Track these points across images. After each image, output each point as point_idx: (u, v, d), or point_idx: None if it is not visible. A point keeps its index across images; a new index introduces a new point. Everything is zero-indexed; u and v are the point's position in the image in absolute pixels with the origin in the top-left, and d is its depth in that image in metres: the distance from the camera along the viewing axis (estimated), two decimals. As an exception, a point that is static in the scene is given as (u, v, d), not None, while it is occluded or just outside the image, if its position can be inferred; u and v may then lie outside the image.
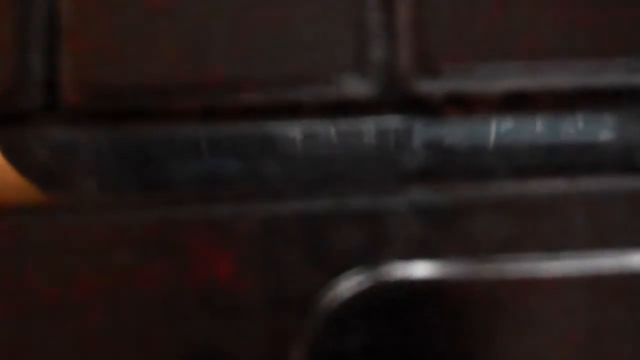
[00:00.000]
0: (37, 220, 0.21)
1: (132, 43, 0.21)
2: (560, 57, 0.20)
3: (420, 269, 0.20)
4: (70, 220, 0.20)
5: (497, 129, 0.21)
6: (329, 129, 0.21)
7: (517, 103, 0.21)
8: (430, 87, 0.20)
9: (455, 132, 0.21)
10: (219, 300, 0.20)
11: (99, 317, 0.20)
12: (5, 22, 0.21)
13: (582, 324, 0.20)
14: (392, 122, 0.21)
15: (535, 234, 0.20)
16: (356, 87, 0.20)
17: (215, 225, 0.20)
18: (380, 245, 0.20)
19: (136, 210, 0.21)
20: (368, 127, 0.21)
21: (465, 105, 0.21)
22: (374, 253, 0.20)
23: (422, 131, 0.21)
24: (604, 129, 0.21)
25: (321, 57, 0.20)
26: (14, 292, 0.20)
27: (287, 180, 0.21)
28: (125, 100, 0.21)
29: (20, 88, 0.21)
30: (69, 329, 0.20)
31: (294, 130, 0.21)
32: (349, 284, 0.20)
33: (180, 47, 0.21)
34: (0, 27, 0.21)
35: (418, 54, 0.20)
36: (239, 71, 0.20)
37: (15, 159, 0.21)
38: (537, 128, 0.21)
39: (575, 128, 0.21)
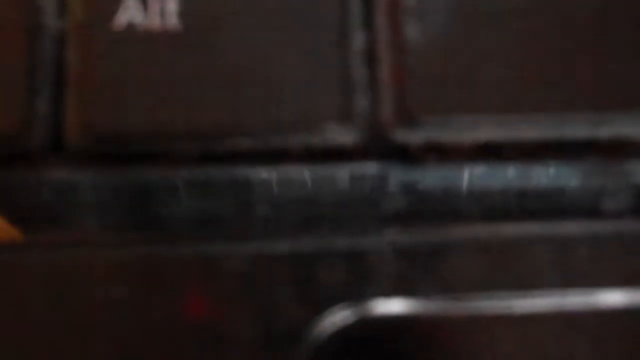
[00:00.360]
0: (33, 255, 0.22)
1: (133, 91, 0.22)
2: (528, 111, 0.22)
3: (399, 306, 0.21)
4: (68, 257, 0.22)
5: (470, 176, 0.22)
6: (313, 174, 0.22)
7: (488, 152, 0.22)
8: (409, 136, 0.22)
9: (431, 177, 0.22)
10: (209, 334, 0.21)
11: (91, 349, 0.21)
12: (14, 66, 0.22)
13: (551, 358, 0.21)
14: (373, 168, 0.22)
15: (506, 274, 0.22)
16: (340, 135, 0.22)
17: (207, 262, 0.22)
18: (363, 283, 0.21)
19: (131, 247, 0.22)
20: (351, 172, 0.22)
21: (440, 153, 0.22)
22: (357, 290, 0.21)
23: (401, 176, 0.22)
24: (569, 177, 0.22)
25: (307, 106, 0.22)
26: (14, 325, 0.21)
27: (274, 222, 0.22)
28: (125, 145, 0.22)
29: (26, 130, 0.22)
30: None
31: (280, 174, 0.22)
32: (333, 320, 0.21)
33: (179, 95, 0.22)
34: (8, 71, 0.22)
35: (399, 105, 0.22)
36: (231, 119, 0.22)
37: (18, 198, 0.22)
38: (507, 175, 0.22)
39: (542, 176, 0.22)
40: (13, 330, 0.21)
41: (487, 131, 0.22)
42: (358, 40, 0.23)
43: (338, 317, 0.21)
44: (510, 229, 0.22)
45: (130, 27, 0.22)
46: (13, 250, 0.22)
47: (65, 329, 0.21)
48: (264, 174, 0.22)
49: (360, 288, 0.21)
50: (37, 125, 0.22)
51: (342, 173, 0.22)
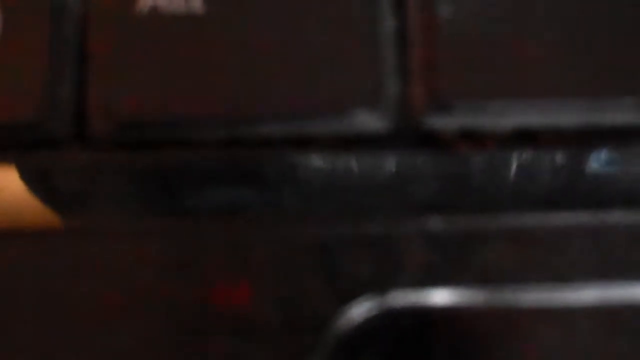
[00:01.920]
0: (60, 243, 0.21)
1: (157, 76, 0.22)
2: (566, 95, 0.21)
3: (431, 297, 0.21)
4: (94, 244, 0.21)
5: (506, 164, 0.21)
6: (342, 161, 0.22)
7: (525, 139, 0.21)
8: (441, 122, 0.21)
9: (463, 165, 0.21)
10: (234, 322, 0.21)
11: (121, 336, 0.21)
12: (36, 50, 0.22)
13: (589, 352, 0.21)
14: (403, 155, 0.21)
15: (541, 265, 0.21)
16: (370, 120, 0.21)
17: (233, 250, 0.21)
18: (392, 272, 0.21)
19: (157, 235, 0.21)
20: (381, 159, 0.22)
21: (475, 140, 0.21)
22: (386, 280, 0.21)
23: (431, 164, 0.22)
24: (610, 165, 0.21)
25: (336, 91, 0.21)
26: (40, 310, 0.21)
27: (302, 209, 0.22)
28: (149, 130, 0.21)
29: (49, 116, 0.22)
30: (92, 347, 0.21)
31: (309, 161, 0.22)
32: (360, 310, 0.21)
33: (204, 80, 0.21)
34: (31, 55, 0.22)
35: (430, 90, 0.21)
36: (258, 104, 0.21)
37: (41, 184, 0.22)
38: (543, 163, 0.21)
39: (581, 163, 0.21)
40: (45, 310, 0.21)
41: (524, 117, 0.21)
42: (388, 21, 0.22)
43: (365, 308, 0.21)
44: (546, 218, 0.21)
45: (154, 10, 0.22)
46: (48, 235, 0.22)
47: (94, 314, 0.21)
48: (292, 159, 0.22)
49: (390, 277, 0.21)
50: (59, 112, 0.22)
51: (372, 161, 0.21)
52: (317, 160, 0.22)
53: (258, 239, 0.21)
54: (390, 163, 0.22)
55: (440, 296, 0.21)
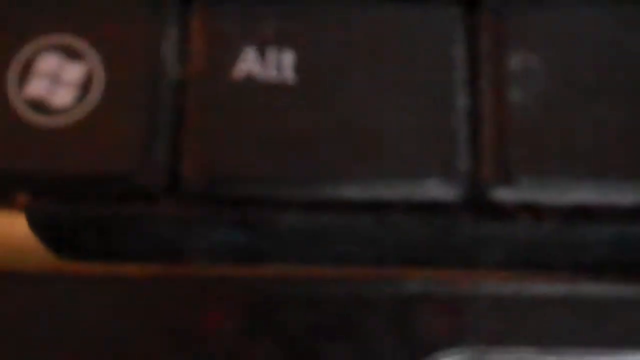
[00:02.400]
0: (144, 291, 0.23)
1: (247, 139, 0.23)
2: (623, 176, 0.23)
3: (498, 358, 0.23)
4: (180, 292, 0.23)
5: (561, 235, 0.24)
6: (413, 224, 0.24)
7: (582, 214, 0.23)
8: (506, 195, 0.23)
9: (525, 234, 0.24)
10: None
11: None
12: (136, 110, 0.24)
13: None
14: (470, 223, 0.24)
15: (597, 331, 0.23)
16: (441, 190, 0.23)
17: (309, 303, 0.23)
18: (458, 333, 0.23)
19: (239, 284, 0.23)
20: (449, 225, 0.24)
21: (535, 212, 0.23)
22: (451, 340, 0.23)
23: (495, 232, 0.24)
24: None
25: (412, 161, 0.23)
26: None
27: (374, 267, 0.24)
28: (237, 189, 0.23)
29: (145, 172, 0.23)
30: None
31: (382, 223, 0.24)
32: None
33: (291, 145, 0.23)
34: (130, 115, 0.24)
35: (498, 165, 0.23)
36: (339, 169, 0.23)
37: (134, 236, 0.24)
38: (600, 237, 0.24)
39: (636, 239, 0.24)
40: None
41: (581, 194, 0.23)
42: (462, 101, 0.24)
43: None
44: (602, 289, 0.23)
45: (248, 79, 0.24)
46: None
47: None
48: (367, 222, 0.23)
49: (455, 338, 0.23)
50: (154, 167, 0.23)
51: (441, 225, 0.24)
52: (391, 224, 0.23)
53: (333, 295, 0.23)
54: (459, 229, 0.24)
55: (506, 357, 0.23)
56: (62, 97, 0.23)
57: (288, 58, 0.24)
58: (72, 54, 0.24)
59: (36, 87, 0.24)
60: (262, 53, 0.24)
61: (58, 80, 0.24)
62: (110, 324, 0.23)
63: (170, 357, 0.23)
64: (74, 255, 0.23)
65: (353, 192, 0.23)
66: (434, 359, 0.22)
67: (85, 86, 0.24)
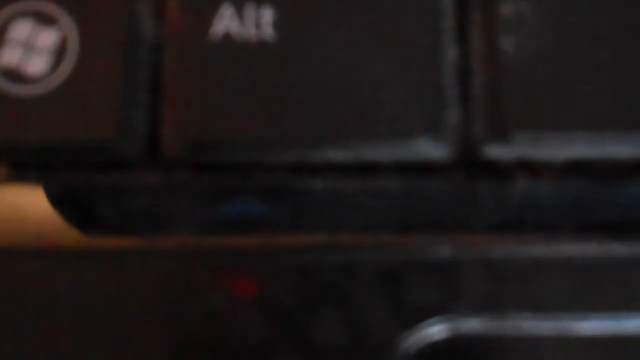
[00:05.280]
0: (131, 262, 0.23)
1: (228, 101, 0.22)
2: (623, 129, 0.22)
3: (487, 325, 0.22)
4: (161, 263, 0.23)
5: (561, 194, 0.22)
6: (403, 187, 0.22)
7: (580, 170, 0.22)
8: (500, 152, 0.22)
9: (520, 194, 0.22)
10: (297, 343, 0.22)
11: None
12: (111, 74, 0.23)
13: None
14: (462, 183, 0.22)
15: (598, 294, 0.22)
16: (431, 149, 0.22)
17: (298, 271, 0.22)
18: (452, 298, 0.22)
19: (226, 255, 0.23)
20: (440, 186, 0.22)
21: (531, 170, 0.22)
22: (446, 305, 0.22)
23: (490, 192, 0.22)
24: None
25: (399, 120, 0.22)
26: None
27: (364, 232, 0.23)
28: (219, 154, 0.22)
29: (123, 139, 0.23)
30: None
31: (370, 186, 0.22)
32: (421, 335, 0.22)
33: (272, 106, 0.22)
34: (106, 79, 0.23)
35: (491, 121, 0.22)
36: (323, 130, 0.22)
37: (113, 205, 0.23)
38: (599, 194, 0.22)
39: (635, 195, 0.22)
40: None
41: (580, 149, 0.22)
42: (451, 52, 0.23)
43: (426, 333, 0.22)
44: (601, 248, 0.22)
45: (227, 37, 0.23)
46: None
47: (167, 334, 0.22)
48: (355, 185, 0.22)
49: (450, 303, 0.22)
50: (133, 134, 0.23)
51: (431, 187, 0.22)
52: (379, 187, 0.22)
53: (322, 261, 0.22)
54: (449, 190, 0.22)
55: (499, 324, 0.21)
56: (37, 64, 0.23)
57: (267, 14, 0.23)
58: (45, 20, 0.23)
59: (9, 56, 0.23)
60: (240, 10, 0.23)
61: (32, 47, 0.23)
62: (98, 299, 0.23)
63: (160, 334, 0.22)
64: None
65: (337, 154, 0.22)
66: (425, 326, 0.22)
67: (59, 52, 0.23)
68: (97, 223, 0.23)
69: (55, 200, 0.23)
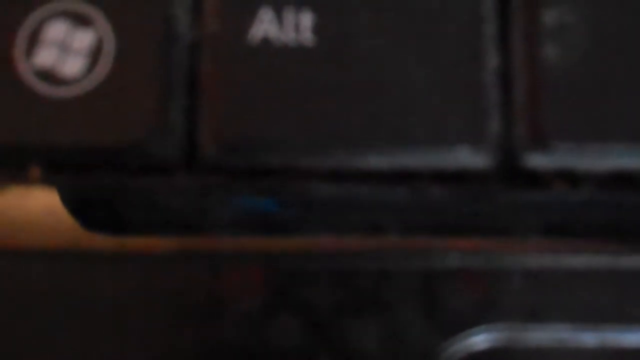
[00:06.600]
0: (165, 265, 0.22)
1: (265, 104, 0.22)
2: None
3: (532, 336, 0.21)
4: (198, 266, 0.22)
5: (601, 204, 0.22)
6: (442, 195, 0.22)
7: (620, 181, 0.22)
8: (540, 162, 0.22)
9: (560, 204, 0.22)
10: (337, 351, 0.22)
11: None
12: (148, 74, 0.23)
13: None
14: (502, 192, 0.22)
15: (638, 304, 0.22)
16: (470, 158, 0.22)
17: (338, 279, 0.22)
18: (494, 307, 0.22)
19: (259, 259, 0.22)
20: (479, 194, 0.22)
21: (570, 180, 0.22)
22: (488, 315, 0.22)
23: (530, 201, 0.22)
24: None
25: (439, 127, 0.22)
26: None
27: (402, 240, 0.22)
28: (255, 157, 0.22)
29: (159, 140, 0.22)
30: None
31: (409, 194, 0.22)
32: (463, 345, 0.21)
33: (310, 110, 0.22)
34: (142, 80, 0.23)
35: (531, 130, 0.22)
36: (361, 137, 0.22)
37: (149, 207, 0.23)
38: (638, 205, 0.22)
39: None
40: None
41: (621, 159, 0.22)
42: (492, 59, 0.22)
43: (468, 343, 0.21)
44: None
45: (265, 41, 0.22)
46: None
47: (194, 337, 0.22)
48: (393, 192, 0.22)
49: (492, 312, 0.22)
50: (170, 136, 0.22)
51: (470, 196, 0.22)
52: (418, 194, 0.22)
53: (362, 269, 0.22)
54: (489, 199, 0.22)
55: (542, 334, 0.21)
56: (72, 66, 0.22)
57: (306, 19, 0.23)
58: (80, 20, 0.23)
59: (45, 57, 0.23)
60: (279, 14, 0.23)
61: (67, 48, 0.23)
62: (128, 300, 0.22)
63: (190, 333, 0.22)
64: (90, 229, 0.23)
65: (376, 160, 0.22)
66: (464, 337, 0.21)
67: (95, 53, 0.23)
68: (128, 226, 0.23)
69: (86, 203, 0.23)
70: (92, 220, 0.23)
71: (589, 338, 0.21)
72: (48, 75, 0.22)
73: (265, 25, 0.22)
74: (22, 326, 0.22)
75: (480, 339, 0.21)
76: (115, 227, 0.23)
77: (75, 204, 0.23)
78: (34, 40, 0.23)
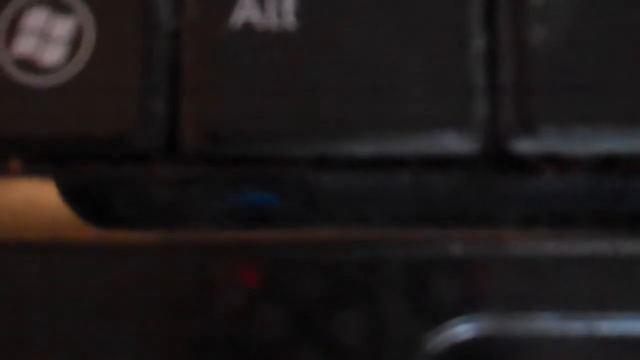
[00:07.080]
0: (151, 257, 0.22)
1: (249, 92, 0.22)
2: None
3: (516, 324, 0.21)
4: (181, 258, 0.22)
5: (589, 189, 0.22)
6: (429, 181, 0.22)
7: (609, 165, 0.21)
8: (528, 146, 0.21)
9: (548, 189, 0.22)
10: (322, 341, 0.21)
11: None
12: (129, 64, 0.22)
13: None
14: (489, 177, 0.22)
15: (631, 293, 0.21)
16: (457, 143, 0.21)
17: (322, 268, 0.22)
18: (481, 297, 0.21)
19: (246, 250, 0.22)
20: (466, 180, 0.22)
21: (559, 165, 0.21)
22: (473, 303, 0.21)
23: (517, 187, 0.22)
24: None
25: (425, 113, 0.21)
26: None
27: (388, 229, 0.22)
28: (240, 146, 0.22)
29: (141, 130, 0.22)
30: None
31: (395, 181, 0.22)
32: (448, 334, 0.21)
33: (294, 97, 0.22)
34: (124, 69, 0.22)
35: (519, 114, 0.21)
36: (346, 123, 0.22)
37: (132, 198, 0.23)
38: (628, 190, 0.21)
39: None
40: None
41: (610, 144, 0.21)
42: (478, 43, 0.22)
43: (452, 333, 0.21)
44: (632, 247, 0.21)
45: (247, 26, 0.22)
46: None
47: (186, 329, 0.22)
48: (378, 180, 0.22)
49: (476, 301, 0.21)
50: (152, 126, 0.22)
51: (458, 181, 0.22)
52: (403, 181, 0.22)
53: (346, 258, 0.22)
54: (475, 185, 0.22)
55: (530, 324, 0.21)
56: (52, 55, 0.22)
57: (289, 3, 0.22)
58: (61, 8, 0.22)
59: (25, 46, 0.22)
60: (260, -1, 0.22)
61: (47, 37, 0.22)
62: (116, 293, 0.22)
63: (178, 327, 0.22)
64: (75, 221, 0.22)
65: (360, 147, 0.22)
66: (448, 327, 0.21)
67: (75, 42, 0.22)
68: (111, 217, 0.23)
69: (68, 193, 0.23)
70: (79, 212, 0.22)
71: (574, 327, 0.21)
72: (28, 64, 0.22)
73: (246, 11, 0.22)
74: (7, 318, 0.22)
75: (464, 329, 0.21)
76: (101, 219, 0.23)
77: (60, 196, 0.22)
78: (13, 29, 0.22)
